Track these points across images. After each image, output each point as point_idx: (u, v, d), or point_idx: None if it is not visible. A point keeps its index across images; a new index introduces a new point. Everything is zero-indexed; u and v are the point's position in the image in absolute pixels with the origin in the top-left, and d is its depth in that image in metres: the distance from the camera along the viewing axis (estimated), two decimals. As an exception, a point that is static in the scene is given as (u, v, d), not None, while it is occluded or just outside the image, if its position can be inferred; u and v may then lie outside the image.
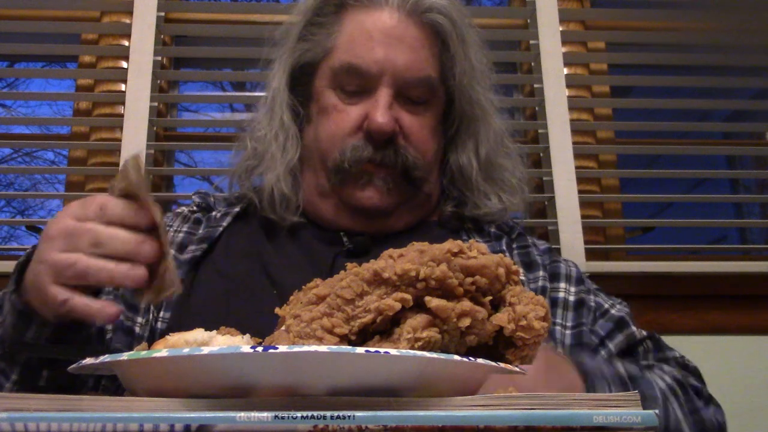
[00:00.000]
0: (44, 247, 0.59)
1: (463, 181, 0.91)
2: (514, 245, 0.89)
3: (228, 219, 0.89)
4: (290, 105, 0.90)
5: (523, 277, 0.82)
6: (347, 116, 0.84)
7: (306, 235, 0.87)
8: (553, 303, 0.81)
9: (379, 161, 0.82)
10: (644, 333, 0.82)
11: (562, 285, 0.83)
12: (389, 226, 0.87)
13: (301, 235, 0.87)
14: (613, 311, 0.82)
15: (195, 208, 0.92)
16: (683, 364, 0.79)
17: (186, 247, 0.86)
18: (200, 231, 0.88)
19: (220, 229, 0.88)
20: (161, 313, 0.80)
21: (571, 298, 0.82)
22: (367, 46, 0.83)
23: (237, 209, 0.91)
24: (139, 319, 0.80)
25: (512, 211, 0.93)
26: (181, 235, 0.88)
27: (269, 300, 0.71)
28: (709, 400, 0.77)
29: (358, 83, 0.84)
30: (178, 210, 0.93)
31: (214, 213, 0.91)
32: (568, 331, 0.80)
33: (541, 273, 0.84)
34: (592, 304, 0.83)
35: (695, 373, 0.79)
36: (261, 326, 0.52)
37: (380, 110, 0.81)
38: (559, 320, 0.80)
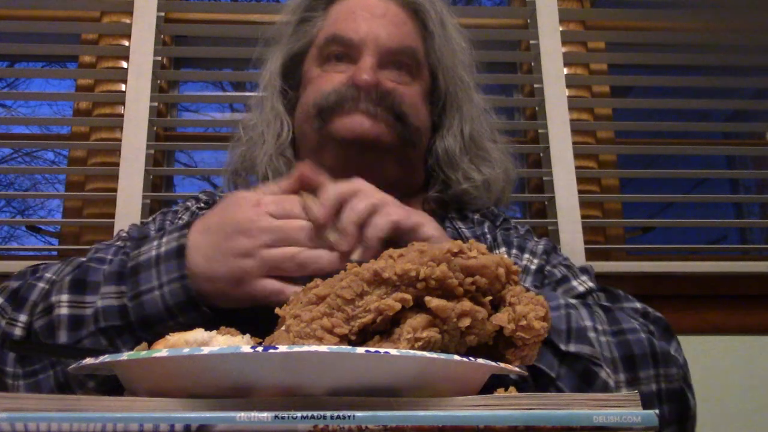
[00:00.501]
0: (246, 243, 0.60)
1: (448, 160, 0.91)
2: (498, 230, 0.90)
3: None
4: (281, 92, 0.92)
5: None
6: (331, 77, 0.85)
7: None
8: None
9: (364, 97, 0.82)
10: (591, 285, 0.78)
11: (526, 256, 0.84)
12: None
13: None
14: (555, 271, 0.81)
15: (202, 204, 0.93)
16: (644, 313, 0.74)
17: None
18: None
19: None
20: None
21: (533, 267, 0.82)
22: (350, 20, 0.86)
23: None
24: None
25: (495, 186, 0.93)
26: None
27: None
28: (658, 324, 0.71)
29: (342, 50, 0.86)
30: (188, 203, 0.94)
31: None
32: None
33: (513, 251, 0.85)
34: (545, 273, 0.82)
35: (657, 322, 0.72)
36: (261, 326, 0.52)
37: (364, 69, 0.82)
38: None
